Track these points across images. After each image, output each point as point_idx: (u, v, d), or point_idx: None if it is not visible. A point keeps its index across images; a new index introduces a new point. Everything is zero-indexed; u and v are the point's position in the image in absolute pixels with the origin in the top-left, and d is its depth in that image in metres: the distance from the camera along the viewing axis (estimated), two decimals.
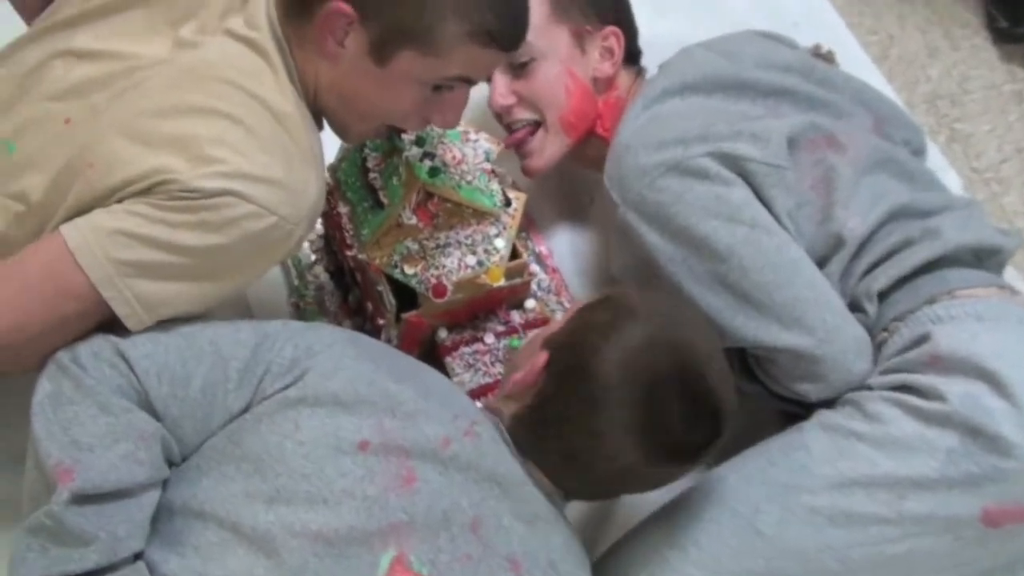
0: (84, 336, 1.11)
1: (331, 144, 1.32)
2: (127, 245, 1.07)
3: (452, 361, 1.50)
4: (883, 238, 1.38)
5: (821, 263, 1.36)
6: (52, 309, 1.08)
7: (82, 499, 1.02)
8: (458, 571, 1.10)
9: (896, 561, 1.23)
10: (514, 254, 1.47)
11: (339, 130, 1.29)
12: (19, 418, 1.10)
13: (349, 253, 1.45)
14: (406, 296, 1.43)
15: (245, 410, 1.14)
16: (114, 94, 1.16)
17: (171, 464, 1.13)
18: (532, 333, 1.51)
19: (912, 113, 1.76)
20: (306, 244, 1.63)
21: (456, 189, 1.39)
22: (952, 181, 1.80)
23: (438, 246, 1.40)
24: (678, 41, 1.59)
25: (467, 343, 1.51)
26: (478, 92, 1.34)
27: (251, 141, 1.10)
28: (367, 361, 1.18)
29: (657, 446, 1.17)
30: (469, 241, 1.42)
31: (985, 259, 1.40)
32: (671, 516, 1.32)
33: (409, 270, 1.38)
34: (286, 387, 1.14)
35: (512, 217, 1.46)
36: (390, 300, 1.43)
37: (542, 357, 1.22)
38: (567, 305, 1.65)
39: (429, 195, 1.39)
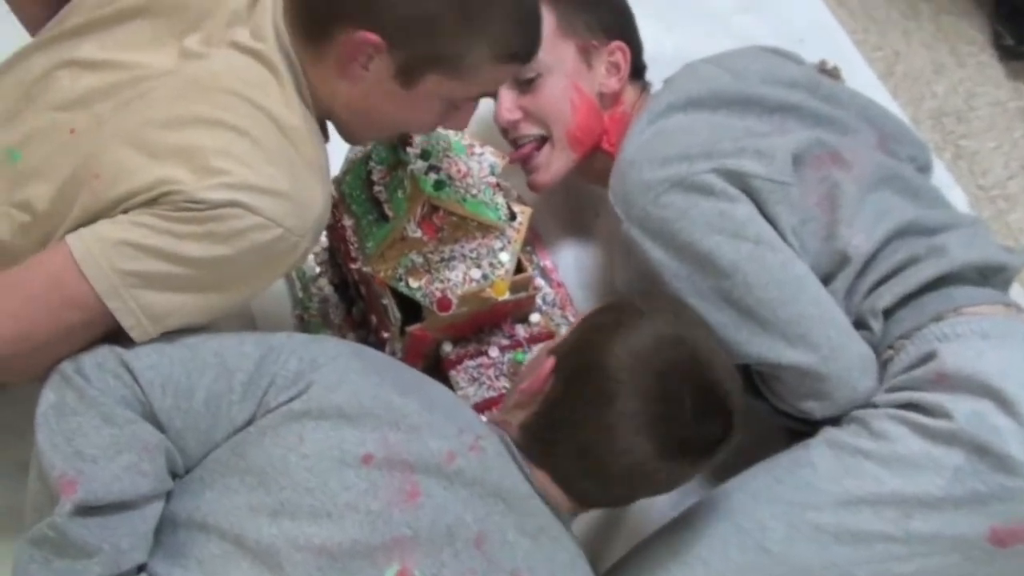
0: (89, 346, 1.11)
1: (336, 156, 1.32)
2: (132, 256, 1.07)
3: (456, 374, 1.50)
4: (888, 255, 1.37)
5: (826, 280, 1.36)
6: (57, 319, 1.08)
7: (85, 511, 1.02)
8: None
9: None
10: (519, 268, 1.47)
11: (348, 137, 1.30)
12: (24, 427, 1.09)
13: (354, 266, 1.45)
14: (410, 309, 1.43)
15: (249, 422, 1.14)
16: (119, 104, 1.16)
17: (175, 476, 1.12)
18: (536, 347, 1.51)
19: (917, 130, 1.76)
20: (311, 256, 1.63)
21: (461, 202, 1.39)
22: (958, 198, 1.80)
23: (443, 259, 1.40)
24: (683, 56, 1.60)
25: (471, 357, 1.51)
26: (484, 107, 1.34)
27: (257, 153, 1.10)
28: (372, 374, 1.18)
29: (669, 438, 1.17)
30: (474, 254, 1.41)
31: (991, 277, 1.40)
32: (677, 532, 1.32)
33: (414, 283, 1.38)
34: (290, 400, 1.13)
35: (517, 231, 1.46)
36: (395, 313, 1.43)
37: (549, 362, 1.23)
38: (571, 319, 1.65)
39: (434, 208, 1.38)
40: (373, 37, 1.11)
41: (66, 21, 1.25)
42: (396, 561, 1.07)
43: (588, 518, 1.43)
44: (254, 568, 1.05)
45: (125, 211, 1.08)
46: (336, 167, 1.43)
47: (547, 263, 1.74)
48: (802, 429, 1.38)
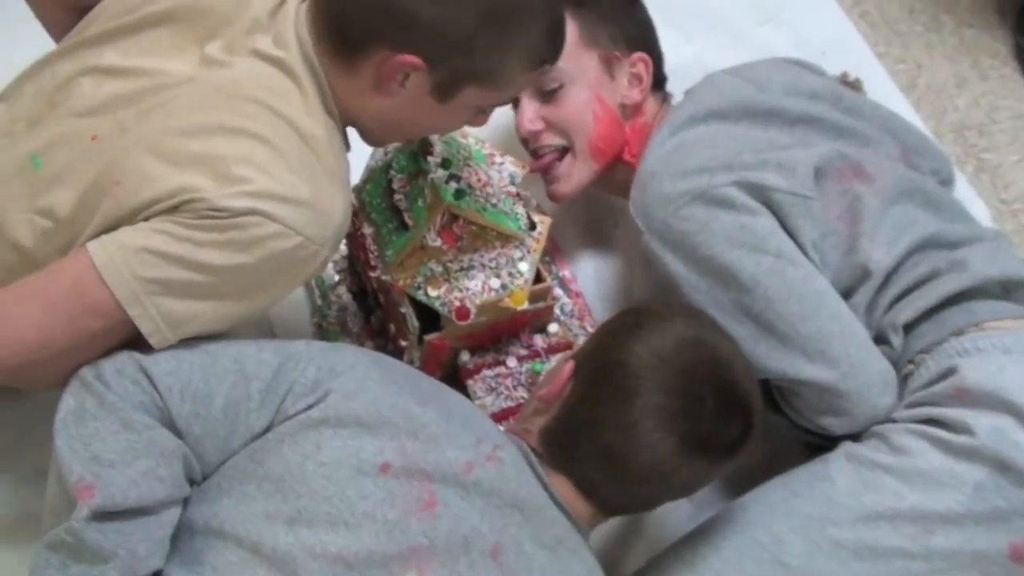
0: (109, 353, 1.11)
1: (357, 165, 1.32)
2: (153, 263, 1.07)
3: (474, 384, 1.50)
4: (909, 269, 1.36)
5: (847, 294, 1.35)
6: (78, 326, 1.08)
7: (102, 516, 1.02)
8: None
9: None
10: (538, 278, 1.47)
11: (371, 140, 1.31)
12: (43, 434, 1.10)
13: (373, 274, 1.45)
14: (429, 318, 1.43)
15: (267, 430, 1.14)
16: (141, 111, 1.16)
17: (192, 482, 1.13)
18: (555, 357, 1.51)
19: (939, 143, 1.75)
20: (330, 264, 1.63)
21: (481, 212, 1.39)
22: (980, 212, 1.79)
23: (462, 268, 1.40)
24: (704, 67, 1.59)
25: (489, 366, 1.51)
26: (504, 117, 1.34)
27: (278, 161, 1.10)
28: (390, 383, 1.18)
29: (691, 435, 1.17)
30: (493, 264, 1.41)
31: (1013, 291, 1.38)
32: (693, 546, 1.31)
33: (433, 292, 1.38)
34: (308, 407, 1.13)
35: (537, 241, 1.46)
36: (413, 322, 1.43)
37: (568, 366, 1.23)
38: (590, 330, 1.64)
39: (454, 217, 1.39)
40: (414, 59, 1.12)
41: (89, 28, 1.25)
42: (412, 570, 1.07)
43: (605, 530, 1.43)
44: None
45: (146, 218, 1.09)
46: (356, 175, 1.44)
47: (566, 273, 1.74)
48: (821, 443, 1.37)
